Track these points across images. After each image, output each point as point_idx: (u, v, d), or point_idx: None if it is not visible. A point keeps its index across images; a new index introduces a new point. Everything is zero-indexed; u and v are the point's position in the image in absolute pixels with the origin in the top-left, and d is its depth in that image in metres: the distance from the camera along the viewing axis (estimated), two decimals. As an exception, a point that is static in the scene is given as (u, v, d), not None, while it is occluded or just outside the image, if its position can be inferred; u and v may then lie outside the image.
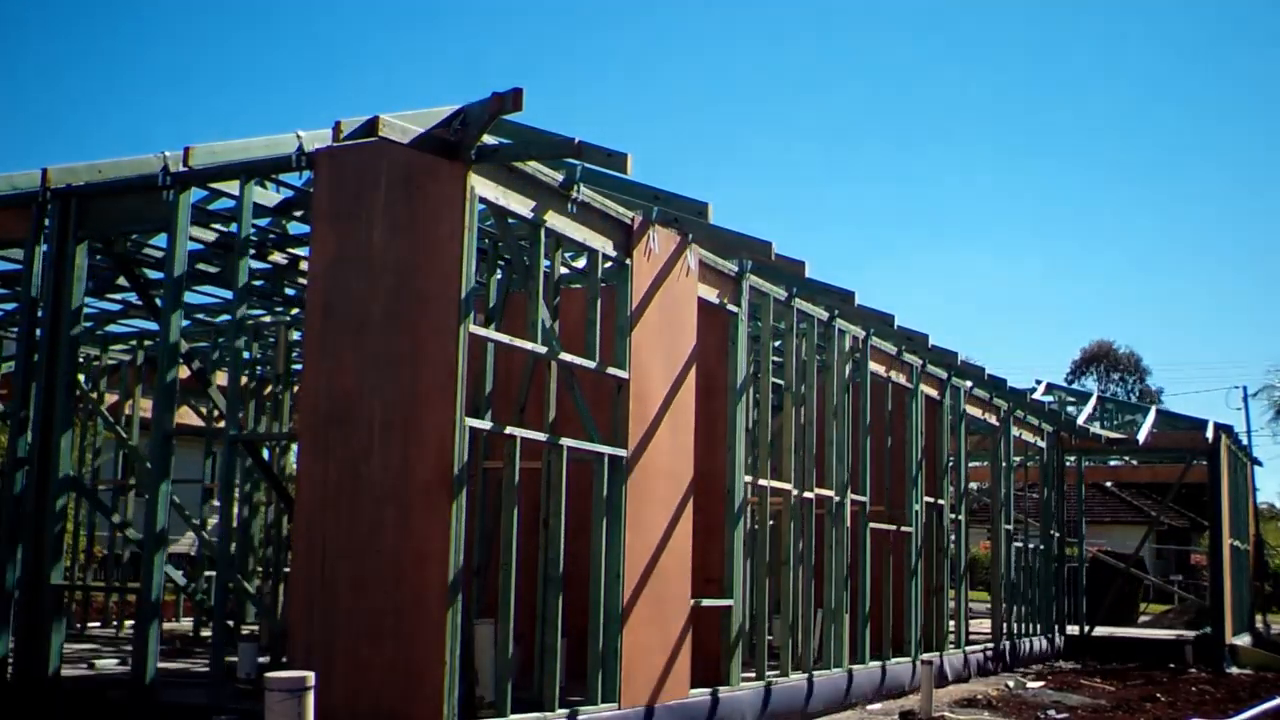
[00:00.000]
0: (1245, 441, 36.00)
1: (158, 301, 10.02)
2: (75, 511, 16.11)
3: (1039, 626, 21.02)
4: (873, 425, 14.52)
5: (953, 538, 17.86)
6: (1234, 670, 19.46)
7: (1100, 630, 23.24)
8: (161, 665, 9.11)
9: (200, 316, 15.21)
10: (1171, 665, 19.54)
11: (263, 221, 11.03)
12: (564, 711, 8.78)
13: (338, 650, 7.68)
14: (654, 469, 9.81)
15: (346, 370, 7.97)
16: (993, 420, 19.26)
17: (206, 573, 14.97)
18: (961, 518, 18.09)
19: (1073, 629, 23.09)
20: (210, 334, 15.70)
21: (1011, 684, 15.57)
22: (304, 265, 11.02)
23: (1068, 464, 23.79)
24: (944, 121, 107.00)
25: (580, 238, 9.26)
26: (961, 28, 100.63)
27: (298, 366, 14.02)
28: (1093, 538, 33.84)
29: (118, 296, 13.94)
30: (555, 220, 8.96)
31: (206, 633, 13.97)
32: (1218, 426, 23.09)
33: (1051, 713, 12.65)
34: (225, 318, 14.83)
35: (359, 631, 7.66)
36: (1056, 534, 22.39)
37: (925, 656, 14.30)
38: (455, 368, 7.73)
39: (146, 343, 15.92)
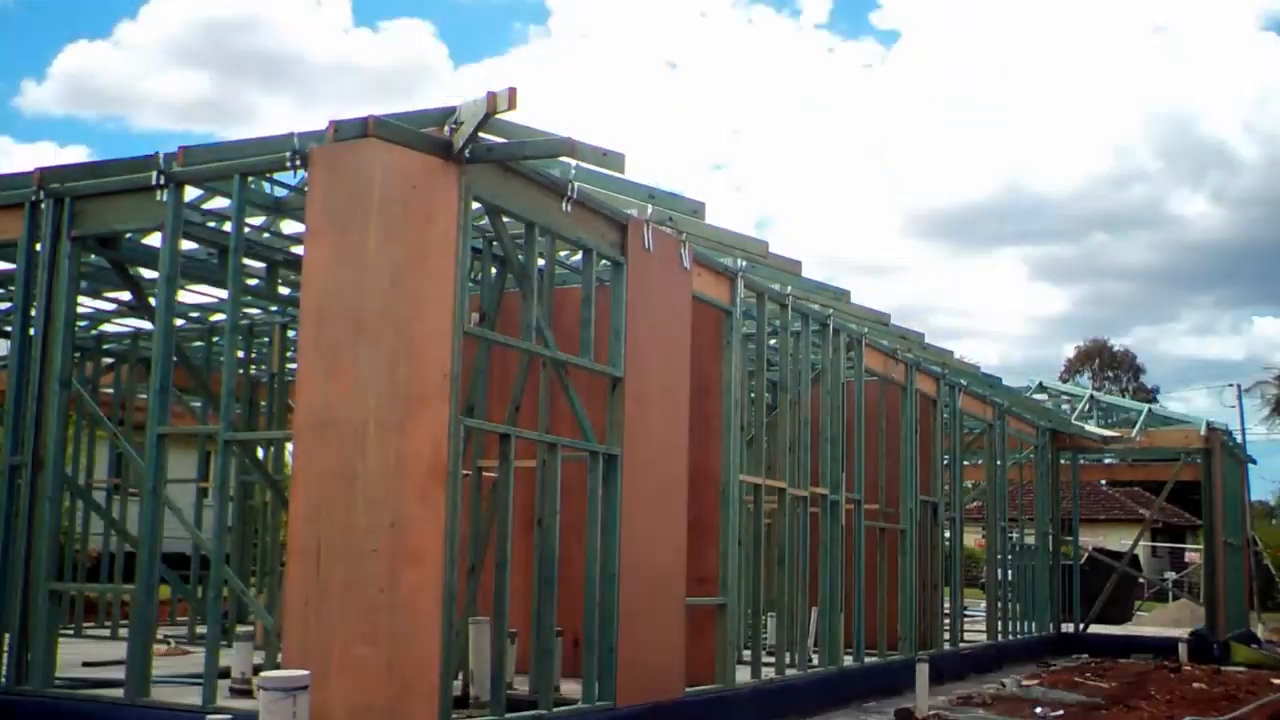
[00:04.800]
0: (1239, 440, 36.08)
1: (152, 301, 10.02)
2: (70, 512, 16.08)
3: (1034, 625, 21.07)
4: (867, 423, 14.55)
5: (947, 536, 17.91)
6: (1229, 668, 19.48)
7: (1095, 628, 23.27)
8: (157, 665, 9.11)
9: (195, 316, 15.22)
10: (1166, 663, 19.56)
11: (257, 221, 11.03)
12: (559, 711, 8.79)
13: (333, 649, 7.67)
14: (649, 468, 9.81)
15: (342, 370, 7.96)
16: (988, 418, 19.29)
17: (201, 573, 14.96)
18: (956, 516, 18.12)
19: (1068, 627, 23.13)
20: (205, 333, 15.71)
21: (1006, 682, 15.58)
22: (299, 265, 11.01)
23: (1062, 462, 23.83)
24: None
25: (575, 237, 9.27)
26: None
27: (293, 366, 14.00)
28: (1088, 536, 33.88)
29: (112, 296, 13.94)
30: (550, 219, 8.96)
31: (202, 631, 13.97)
32: (1211, 425, 23.14)
33: (1046, 710, 12.66)
34: (220, 317, 14.83)
35: (354, 631, 7.65)
36: (1051, 532, 22.43)
37: (920, 654, 14.32)
38: (450, 367, 7.74)
39: (141, 343, 15.91)
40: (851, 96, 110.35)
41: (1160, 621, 28.34)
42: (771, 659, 12.14)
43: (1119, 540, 34.61)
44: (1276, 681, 17.04)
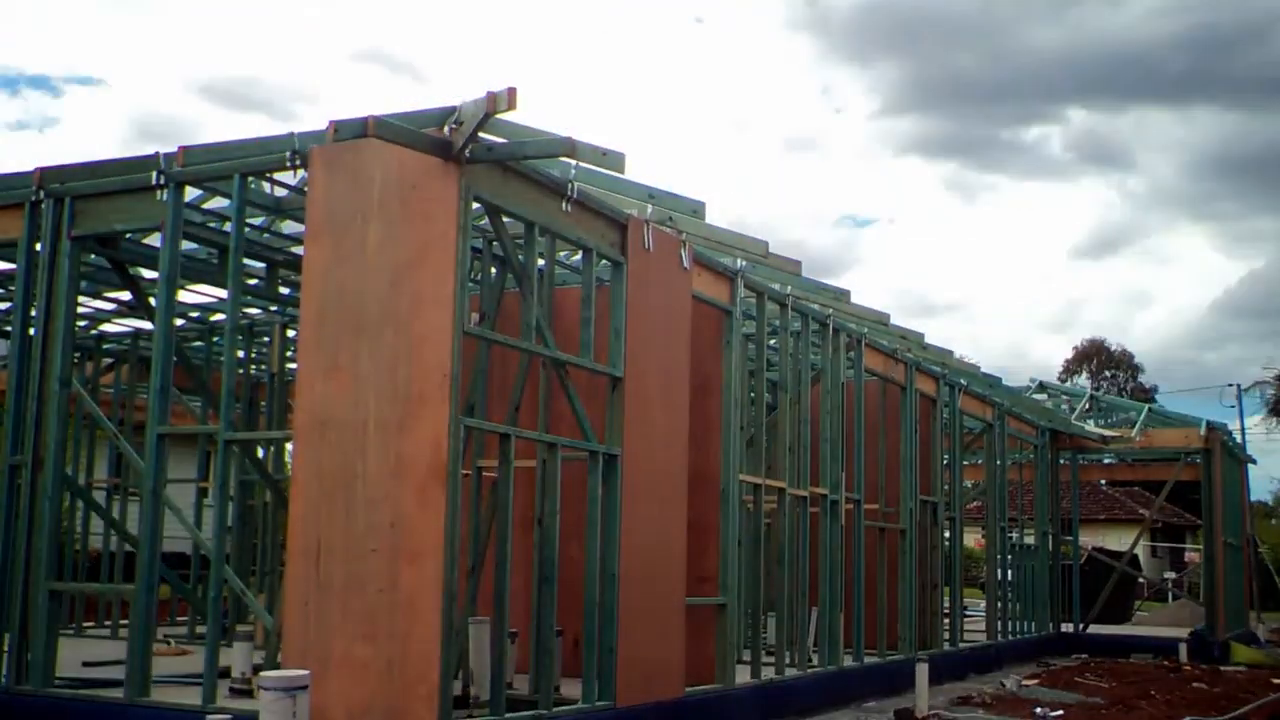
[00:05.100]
0: (1239, 439, 36.08)
1: (152, 301, 10.03)
2: (70, 512, 16.09)
3: (1033, 624, 21.07)
4: (867, 423, 14.55)
5: (947, 535, 17.91)
6: (1229, 668, 19.49)
7: (1095, 628, 23.28)
8: (157, 665, 9.11)
9: (195, 315, 15.22)
10: (1166, 663, 19.57)
11: (258, 221, 11.03)
12: (559, 710, 8.79)
13: (333, 649, 7.68)
14: (648, 467, 9.82)
15: (341, 370, 7.97)
16: (987, 418, 19.30)
17: (201, 573, 14.96)
18: (956, 515, 18.13)
19: (1067, 627, 23.14)
20: (205, 333, 15.71)
21: (1006, 682, 15.59)
22: (299, 265, 11.02)
23: (1062, 462, 23.83)
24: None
25: (575, 236, 9.27)
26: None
27: (293, 366, 14.02)
28: (1088, 536, 33.89)
29: (112, 296, 13.94)
30: (550, 219, 8.96)
31: (202, 631, 13.97)
32: (1211, 425, 23.15)
33: (1046, 710, 12.66)
34: (220, 317, 14.83)
35: (354, 630, 7.66)
36: (1051, 532, 22.44)
37: (920, 654, 14.32)
38: (450, 367, 7.74)
39: (141, 343, 15.92)
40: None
41: (1160, 621, 28.32)
42: (771, 659, 12.14)
43: (1119, 540, 34.61)
44: (1276, 681, 17.05)
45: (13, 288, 10.40)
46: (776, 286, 12.28)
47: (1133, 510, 45.48)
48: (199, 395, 14.15)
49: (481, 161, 8.13)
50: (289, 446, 10.08)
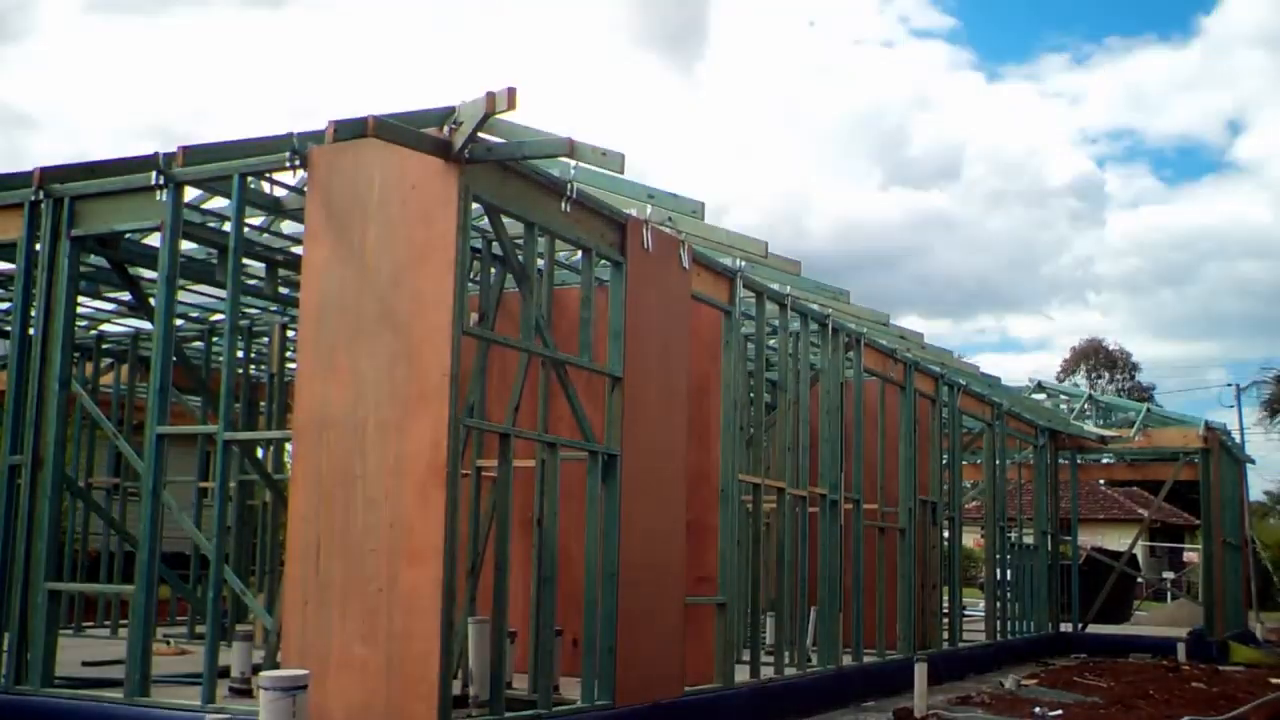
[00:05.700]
0: (1238, 439, 36.12)
1: (152, 301, 10.04)
2: (70, 511, 16.09)
3: (1032, 624, 21.09)
4: (866, 423, 14.56)
5: (946, 535, 17.93)
6: (1227, 667, 19.50)
7: (1094, 628, 23.31)
8: (156, 664, 9.12)
9: (195, 315, 15.23)
10: (1165, 662, 19.58)
11: (257, 221, 11.04)
12: (559, 710, 8.80)
13: (332, 649, 7.70)
14: (647, 467, 9.82)
15: (341, 370, 7.98)
16: (986, 418, 19.31)
17: (201, 573, 14.97)
18: (955, 515, 18.14)
19: (1066, 626, 23.16)
20: (205, 333, 15.72)
21: (1005, 682, 15.59)
22: (299, 265, 11.02)
23: (1061, 462, 23.85)
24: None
25: (574, 236, 9.28)
26: None
27: (293, 366, 14.02)
28: (1087, 536, 33.90)
29: (112, 296, 13.95)
30: (549, 219, 8.97)
31: (201, 631, 13.97)
32: (1210, 425, 23.17)
33: (1045, 710, 12.67)
34: (220, 317, 14.84)
35: (354, 630, 7.68)
36: (1050, 532, 22.45)
37: (918, 654, 14.33)
38: (450, 367, 7.75)
39: (141, 343, 15.92)
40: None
41: (1159, 621, 28.35)
42: (770, 659, 12.15)
43: (1118, 540, 34.62)
44: (1275, 681, 17.06)
45: (12, 288, 10.40)
46: (776, 286, 12.29)
47: (1131, 510, 45.53)
48: (199, 395, 14.15)
49: (481, 162, 8.13)
50: (289, 446, 10.09)
